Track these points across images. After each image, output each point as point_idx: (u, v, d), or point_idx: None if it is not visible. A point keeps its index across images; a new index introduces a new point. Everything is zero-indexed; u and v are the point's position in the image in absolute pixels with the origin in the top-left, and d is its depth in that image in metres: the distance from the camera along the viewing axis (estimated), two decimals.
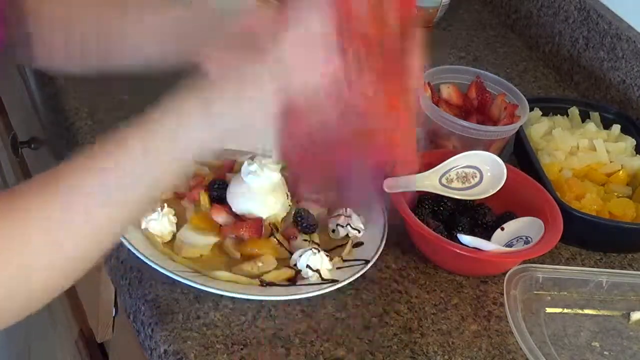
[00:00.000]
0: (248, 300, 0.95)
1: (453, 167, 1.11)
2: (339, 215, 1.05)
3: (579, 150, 1.23)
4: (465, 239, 1.03)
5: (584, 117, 1.31)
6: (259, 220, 1.00)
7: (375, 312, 0.98)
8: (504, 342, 0.99)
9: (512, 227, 1.08)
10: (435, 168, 1.10)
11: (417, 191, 1.09)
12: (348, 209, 1.05)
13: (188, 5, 0.76)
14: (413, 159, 0.63)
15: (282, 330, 0.93)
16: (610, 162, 1.23)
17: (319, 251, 0.99)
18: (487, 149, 1.14)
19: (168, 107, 0.68)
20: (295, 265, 0.99)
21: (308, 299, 0.97)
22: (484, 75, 1.26)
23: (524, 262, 1.06)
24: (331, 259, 1.00)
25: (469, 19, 1.65)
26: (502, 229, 1.08)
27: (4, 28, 0.73)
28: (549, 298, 1.07)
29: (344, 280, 0.98)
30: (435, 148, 1.19)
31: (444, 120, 1.16)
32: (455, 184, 1.11)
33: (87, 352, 1.28)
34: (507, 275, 1.04)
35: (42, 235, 0.65)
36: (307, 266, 0.98)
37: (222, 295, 0.94)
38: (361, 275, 1.00)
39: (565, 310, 1.06)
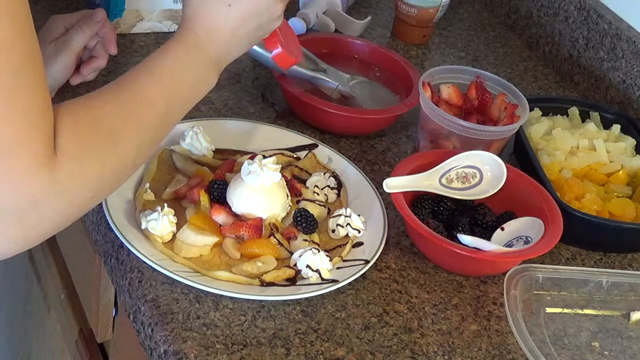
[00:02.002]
0: (248, 300, 0.95)
1: (453, 167, 1.11)
2: (339, 215, 1.05)
3: (579, 150, 1.23)
4: (465, 239, 1.03)
5: (584, 117, 1.31)
6: (259, 220, 1.00)
7: (375, 312, 0.98)
8: (504, 342, 0.99)
9: (512, 227, 1.08)
10: (435, 168, 1.10)
11: (417, 191, 1.09)
12: (348, 209, 1.05)
13: None
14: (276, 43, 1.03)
15: (282, 330, 0.93)
16: (610, 162, 1.23)
17: (319, 251, 0.99)
18: (487, 149, 1.14)
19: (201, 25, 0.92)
20: (295, 265, 0.99)
21: (308, 299, 0.97)
22: (484, 75, 1.26)
23: (524, 262, 1.06)
24: (331, 259, 1.00)
25: (469, 19, 1.65)
26: (502, 229, 1.08)
27: None
28: (549, 298, 1.07)
29: (344, 280, 0.98)
30: (435, 148, 1.19)
31: (444, 120, 1.16)
32: (455, 184, 1.11)
33: (87, 352, 1.28)
34: (507, 275, 1.04)
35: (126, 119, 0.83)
36: (307, 266, 0.98)
37: (222, 295, 0.94)
38: (361, 275, 1.00)
39: (565, 310, 1.06)
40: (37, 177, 0.72)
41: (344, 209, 1.05)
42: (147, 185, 1.03)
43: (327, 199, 1.10)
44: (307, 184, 1.10)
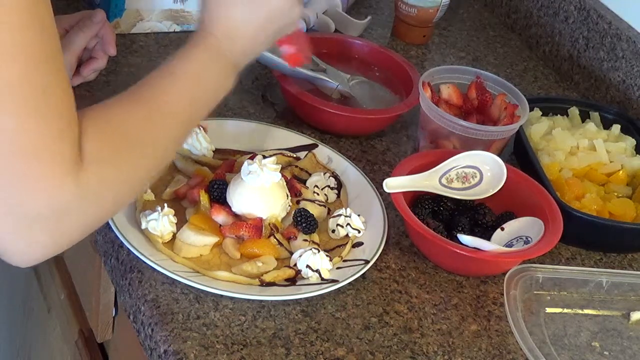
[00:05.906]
0: (248, 300, 0.95)
1: (453, 167, 1.11)
2: (339, 215, 1.05)
3: (579, 150, 1.23)
4: (465, 239, 1.03)
5: (584, 117, 1.31)
6: (259, 220, 1.00)
7: (375, 312, 0.98)
8: (504, 342, 0.99)
9: (512, 227, 1.08)
10: (435, 168, 1.10)
11: (417, 191, 1.09)
12: (348, 209, 1.05)
13: None
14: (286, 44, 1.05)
15: (282, 330, 0.93)
16: (610, 162, 1.23)
17: (319, 251, 0.99)
18: (487, 149, 1.14)
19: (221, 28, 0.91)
20: (295, 265, 0.99)
21: (308, 299, 0.97)
22: (484, 75, 1.26)
23: (524, 262, 1.06)
24: (331, 259, 1.00)
25: (469, 19, 1.65)
26: (502, 229, 1.08)
27: None
28: (549, 298, 1.07)
29: (344, 280, 0.98)
30: (435, 148, 1.19)
31: (444, 120, 1.16)
32: (455, 184, 1.11)
33: (87, 352, 1.28)
34: (507, 275, 1.04)
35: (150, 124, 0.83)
36: (307, 266, 0.98)
37: (222, 295, 0.94)
38: (361, 275, 1.00)
39: (565, 310, 1.06)
40: (66, 183, 0.71)
41: (344, 209, 1.05)
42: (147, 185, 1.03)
43: (327, 199, 1.10)
44: (307, 184, 1.10)
